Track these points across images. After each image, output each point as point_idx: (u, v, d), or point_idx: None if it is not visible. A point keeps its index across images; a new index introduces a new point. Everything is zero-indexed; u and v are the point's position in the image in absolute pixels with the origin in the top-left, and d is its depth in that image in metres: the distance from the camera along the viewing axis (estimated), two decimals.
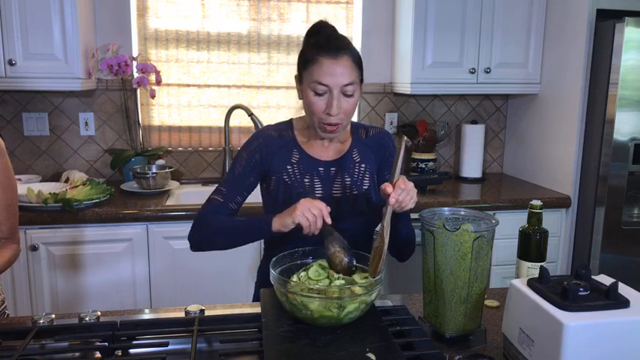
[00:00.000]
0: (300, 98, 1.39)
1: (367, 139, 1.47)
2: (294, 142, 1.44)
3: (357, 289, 1.08)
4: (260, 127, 2.64)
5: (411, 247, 1.44)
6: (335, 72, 1.28)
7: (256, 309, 1.25)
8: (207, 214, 1.40)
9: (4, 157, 1.43)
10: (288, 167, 1.41)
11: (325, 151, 1.44)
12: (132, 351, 1.07)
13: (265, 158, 1.42)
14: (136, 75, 2.66)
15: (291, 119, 1.49)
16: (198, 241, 1.40)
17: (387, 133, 1.51)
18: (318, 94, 1.31)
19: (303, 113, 1.43)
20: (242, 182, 1.42)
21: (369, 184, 1.44)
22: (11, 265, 1.43)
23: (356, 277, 1.19)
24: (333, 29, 1.39)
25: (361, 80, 1.36)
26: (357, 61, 1.33)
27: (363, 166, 1.44)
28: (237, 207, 1.43)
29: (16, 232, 1.50)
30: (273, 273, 1.11)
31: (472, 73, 2.69)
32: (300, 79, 1.37)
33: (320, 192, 1.41)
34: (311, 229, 1.23)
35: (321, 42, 1.32)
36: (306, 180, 1.41)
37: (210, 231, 1.38)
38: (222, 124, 2.82)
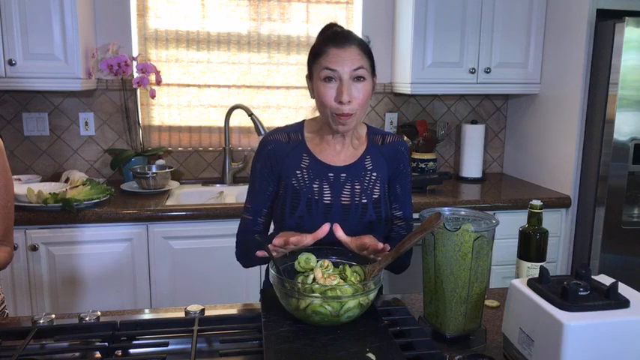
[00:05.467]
0: (312, 97, 1.37)
1: (382, 146, 1.43)
2: (304, 146, 1.41)
3: (349, 290, 1.09)
4: (260, 127, 2.66)
5: (405, 267, 1.47)
6: (343, 58, 1.28)
7: (256, 309, 1.25)
8: (240, 234, 1.48)
9: (2, 157, 1.41)
10: (297, 172, 1.39)
11: (337, 156, 1.41)
12: (132, 351, 1.07)
13: (276, 164, 1.40)
14: (136, 75, 2.66)
15: (303, 121, 1.47)
16: (242, 261, 1.49)
17: (403, 143, 1.47)
18: (328, 83, 1.29)
19: (316, 114, 1.41)
20: (263, 194, 1.43)
21: (379, 193, 1.40)
22: (3, 268, 1.39)
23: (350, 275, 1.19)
24: (342, 27, 1.39)
25: (373, 73, 1.35)
26: (366, 52, 1.32)
27: (374, 174, 1.41)
28: (267, 218, 1.47)
29: (10, 235, 1.45)
30: (272, 272, 1.11)
31: (472, 73, 2.69)
32: (310, 75, 1.37)
33: (329, 199, 1.38)
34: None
35: (329, 36, 1.33)
36: (315, 185, 1.38)
37: (244, 252, 1.47)
38: (222, 124, 2.82)
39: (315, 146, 1.42)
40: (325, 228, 1.19)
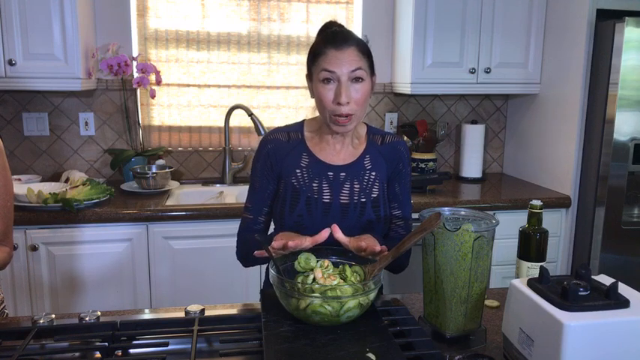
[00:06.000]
0: (312, 97, 1.38)
1: (382, 146, 1.44)
2: (304, 145, 1.42)
3: (349, 290, 1.09)
4: (260, 127, 2.65)
5: (404, 267, 1.47)
6: (341, 60, 1.28)
7: (256, 309, 1.25)
8: (241, 233, 1.48)
9: (2, 157, 1.40)
10: (297, 171, 1.39)
11: (336, 155, 1.42)
12: (132, 351, 1.07)
13: (276, 163, 1.41)
14: (136, 75, 2.66)
15: (303, 120, 1.48)
16: (242, 260, 1.49)
17: (402, 142, 1.47)
18: (326, 84, 1.30)
19: (316, 113, 1.42)
20: (263, 193, 1.44)
21: (378, 192, 1.41)
22: (2, 269, 1.39)
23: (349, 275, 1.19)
24: (341, 26, 1.39)
25: (372, 72, 1.35)
26: (365, 52, 1.32)
27: (373, 173, 1.41)
28: (267, 217, 1.47)
29: (10, 235, 1.44)
30: (272, 272, 1.11)
31: (472, 73, 2.69)
32: (310, 76, 1.37)
33: (328, 197, 1.39)
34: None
35: (328, 36, 1.33)
36: (314, 184, 1.39)
37: (244, 252, 1.46)
38: (222, 124, 2.82)
39: (314, 145, 1.42)
40: (324, 234, 1.19)
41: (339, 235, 1.22)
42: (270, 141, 1.43)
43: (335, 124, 1.33)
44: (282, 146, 1.42)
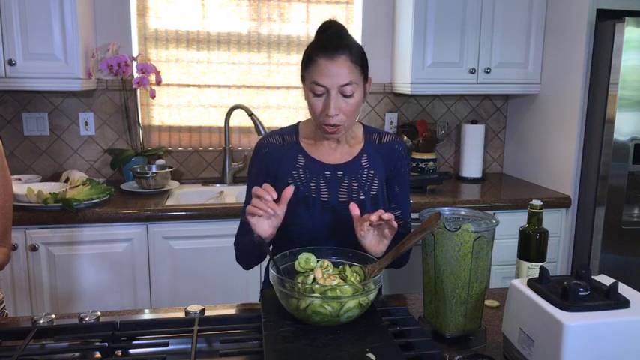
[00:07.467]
0: (305, 98, 1.38)
1: (379, 145, 1.44)
2: (298, 146, 1.42)
3: (349, 290, 1.09)
4: (260, 127, 2.66)
5: (404, 264, 1.46)
6: (331, 72, 1.26)
7: (256, 309, 1.25)
8: (238, 236, 1.48)
9: (2, 157, 1.40)
10: (294, 173, 1.39)
11: (332, 154, 1.41)
12: (132, 351, 1.07)
13: (272, 167, 1.41)
14: (136, 75, 2.66)
15: (298, 123, 1.48)
16: (241, 263, 1.48)
17: (400, 142, 1.47)
18: (316, 95, 1.29)
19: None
20: None
21: (377, 190, 1.41)
22: (1, 269, 1.38)
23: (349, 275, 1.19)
24: (339, 27, 1.36)
25: (366, 79, 1.34)
26: (358, 60, 1.30)
27: (372, 172, 1.41)
28: None
29: (8, 235, 1.44)
30: (272, 272, 1.11)
31: (472, 73, 2.69)
32: (303, 79, 1.36)
33: (326, 196, 1.38)
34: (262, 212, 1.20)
35: (322, 42, 1.30)
36: (312, 184, 1.38)
37: (240, 253, 1.46)
38: (222, 124, 2.82)
39: (309, 146, 1.43)
40: (289, 189, 1.22)
41: (356, 212, 1.24)
42: (265, 145, 1.43)
43: (324, 132, 1.34)
44: (277, 149, 1.42)
